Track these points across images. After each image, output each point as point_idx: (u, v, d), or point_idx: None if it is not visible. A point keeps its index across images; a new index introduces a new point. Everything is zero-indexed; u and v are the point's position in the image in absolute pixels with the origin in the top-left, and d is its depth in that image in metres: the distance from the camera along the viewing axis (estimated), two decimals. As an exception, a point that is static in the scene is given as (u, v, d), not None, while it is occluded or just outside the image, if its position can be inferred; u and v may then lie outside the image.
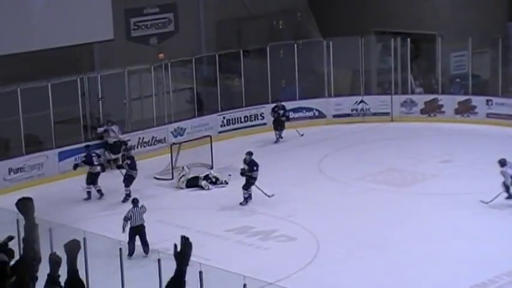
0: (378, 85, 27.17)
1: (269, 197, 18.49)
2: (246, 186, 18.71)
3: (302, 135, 23.79)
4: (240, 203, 18.68)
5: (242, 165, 19.06)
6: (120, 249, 13.58)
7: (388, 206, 18.44)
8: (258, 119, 24.79)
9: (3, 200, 17.30)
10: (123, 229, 16.13)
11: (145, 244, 16.19)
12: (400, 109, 25.40)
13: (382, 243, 16.25)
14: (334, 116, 25.53)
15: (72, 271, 5.19)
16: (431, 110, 25.30)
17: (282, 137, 23.62)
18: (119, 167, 20.39)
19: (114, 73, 22.83)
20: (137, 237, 16.12)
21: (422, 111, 25.35)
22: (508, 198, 17.83)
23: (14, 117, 20.84)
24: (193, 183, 20.18)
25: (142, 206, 16.55)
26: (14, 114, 20.76)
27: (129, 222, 16.21)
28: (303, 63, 25.45)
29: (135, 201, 16.64)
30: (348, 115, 25.48)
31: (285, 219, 17.79)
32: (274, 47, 25.38)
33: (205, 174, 20.34)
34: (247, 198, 18.73)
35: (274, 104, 23.99)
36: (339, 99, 25.62)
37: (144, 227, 16.27)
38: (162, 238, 16.53)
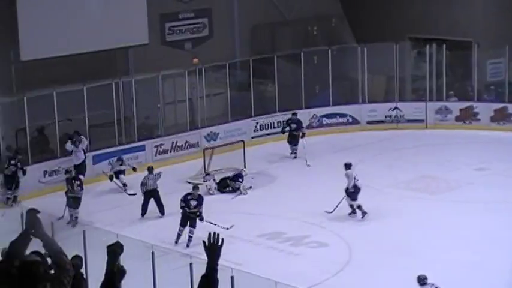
0: (412, 92, 27.00)
1: (228, 228, 16.87)
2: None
3: (309, 165, 21.84)
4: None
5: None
6: (153, 252, 13.63)
7: (422, 214, 18.29)
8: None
9: (38, 202, 17.47)
10: (142, 193, 18.65)
11: (160, 206, 18.55)
12: (435, 116, 25.20)
13: (415, 251, 16.12)
14: (368, 123, 25.41)
15: (112, 272, 5.25)
16: (467, 117, 25.06)
17: (295, 153, 22.40)
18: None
19: (148, 77, 22.96)
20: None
21: (458, 119, 25.12)
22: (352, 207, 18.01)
23: (49, 120, 21.07)
24: (224, 185, 20.22)
25: (158, 173, 18.93)
26: (50, 117, 20.98)
27: (144, 186, 18.61)
28: (337, 69, 25.38)
29: (150, 169, 18.97)
30: (382, 122, 25.34)
31: (317, 225, 17.73)
32: (308, 52, 25.36)
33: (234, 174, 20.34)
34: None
35: (289, 116, 23.26)
36: (373, 106, 25.50)
37: (157, 191, 18.57)
38: (194, 242, 16.62)
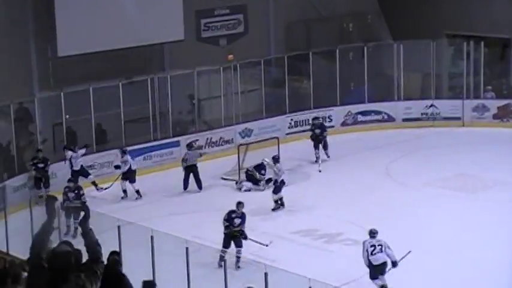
0: (449, 89, 26.74)
1: (267, 245, 16.12)
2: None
3: (320, 171, 21.05)
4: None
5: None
6: (187, 248, 13.65)
7: (457, 212, 18.12)
8: (325, 121, 24.61)
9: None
10: (183, 168, 19.91)
11: (198, 181, 19.90)
12: (472, 114, 24.93)
13: (450, 250, 15.97)
14: (404, 120, 25.22)
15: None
16: (504, 115, 24.76)
17: (328, 156, 21.85)
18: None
19: (183, 73, 23.03)
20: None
21: (495, 117, 24.82)
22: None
23: (85, 116, 21.24)
24: (251, 177, 20.26)
25: (197, 150, 20.52)
26: (86, 112, 21.16)
27: (185, 162, 19.90)
28: (373, 66, 25.22)
29: (189, 145, 20.48)
30: (418, 119, 25.13)
31: (351, 222, 17.63)
32: (343, 49, 25.25)
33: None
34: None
35: (312, 122, 22.72)
36: (408, 103, 25.30)
37: (196, 167, 19.87)
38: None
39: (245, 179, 20.37)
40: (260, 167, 20.23)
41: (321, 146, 21.84)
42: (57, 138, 21.67)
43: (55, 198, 5.45)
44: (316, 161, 21.56)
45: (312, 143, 21.95)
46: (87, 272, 5.02)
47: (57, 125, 21.56)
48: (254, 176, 20.22)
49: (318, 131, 21.97)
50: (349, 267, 15.37)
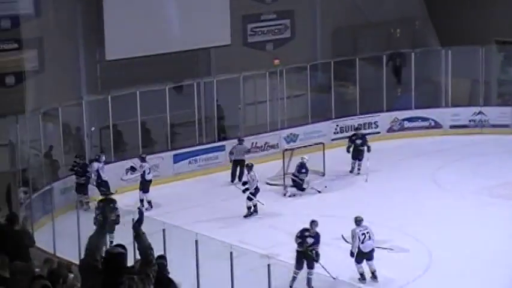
0: (498, 96, 26.35)
1: (334, 279, 15.09)
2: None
3: (366, 181, 20.83)
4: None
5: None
6: (231, 252, 13.66)
7: (505, 221, 17.81)
8: (371, 127, 24.51)
9: (120, 200, 17.79)
10: (230, 161, 20.89)
11: (241, 176, 20.36)
12: (521, 121, 24.55)
13: (497, 259, 15.72)
14: (451, 127, 24.92)
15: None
16: (554, 123, 24.33)
17: (359, 169, 21.32)
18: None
19: (229, 78, 23.09)
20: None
21: (544, 124, 24.41)
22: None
23: (132, 119, 21.41)
24: (296, 183, 20.19)
25: (246, 147, 21.18)
26: (133, 116, 21.33)
27: (232, 155, 20.84)
28: (420, 72, 24.99)
29: (239, 140, 21.22)
30: (465, 126, 24.81)
31: (397, 229, 17.46)
32: (390, 55, 25.06)
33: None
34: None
35: (353, 132, 22.46)
36: (456, 110, 25.00)
37: (244, 162, 20.32)
38: (272, 244, 16.60)
39: (290, 184, 20.31)
40: (300, 168, 20.14)
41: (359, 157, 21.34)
42: (104, 141, 21.87)
43: (111, 201, 5.53)
44: (351, 171, 21.33)
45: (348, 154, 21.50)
46: (140, 275, 5.06)
47: (104, 129, 21.76)
48: (298, 179, 20.12)
49: (358, 141, 21.52)
50: (395, 275, 15.23)
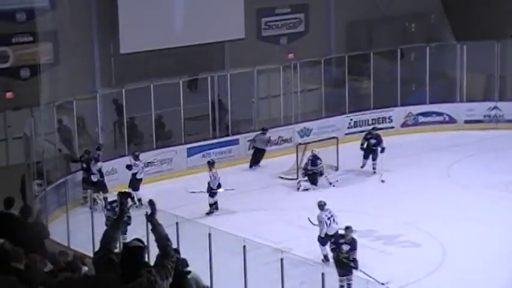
0: (513, 91, 26.21)
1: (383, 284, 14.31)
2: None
3: (383, 181, 20.34)
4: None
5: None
6: (244, 246, 13.67)
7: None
8: (385, 122, 24.43)
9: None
10: (251, 147, 21.73)
11: (257, 162, 21.49)
12: (536, 116, 24.41)
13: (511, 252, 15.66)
14: (466, 122, 24.81)
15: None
16: None
17: (374, 169, 20.85)
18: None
19: (243, 72, 23.07)
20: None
21: (560, 119, 24.26)
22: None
23: (146, 113, 21.44)
24: (309, 175, 20.15)
25: (268, 137, 21.87)
26: (147, 109, 21.36)
27: (252, 143, 21.57)
28: (435, 67, 24.88)
29: (263, 129, 21.86)
30: (480, 121, 24.70)
31: (410, 224, 17.42)
32: (405, 49, 24.97)
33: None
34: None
35: (368, 131, 21.84)
36: (471, 105, 24.88)
37: (263, 152, 21.57)
38: (285, 238, 16.60)
39: (304, 178, 20.27)
40: (314, 159, 20.10)
41: (370, 156, 21.01)
42: (118, 134, 21.91)
43: (128, 194, 5.50)
44: (362, 167, 21.01)
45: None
46: (158, 267, 5.07)
47: (118, 122, 21.80)
48: (313, 172, 20.06)
49: (373, 141, 21.06)
50: (408, 270, 15.19)
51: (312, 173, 20.18)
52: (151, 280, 4.96)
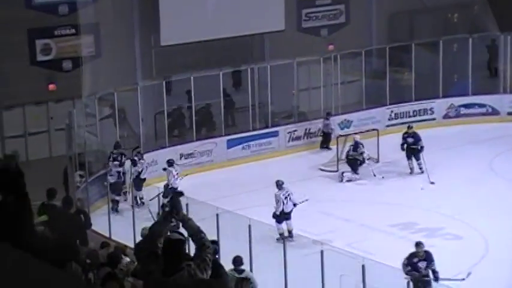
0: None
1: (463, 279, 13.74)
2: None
3: (422, 189, 19.45)
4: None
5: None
6: (284, 238, 13.68)
7: None
8: (427, 114, 24.19)
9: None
10: (320, 133, 21.89)
11: (327, 143, 22.13)
12: None
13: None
14: (509, 114, 24.45)
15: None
16: None
17: (421, 168, 20.04)
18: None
19: (283, 63, 23.00)
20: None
21: None
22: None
23: (186, 104, 21.52)
24: (352, 162, 20.06)
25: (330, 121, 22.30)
26: (187, 101, 21.42)
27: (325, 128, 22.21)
28: (478, 58, 24.55)
29: (328, 114, 22.25)
30: (524, 113, 24.34)
31: (452, 217, 17.25)
32: (447, 40, 24.67)
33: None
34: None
35: (405, 130, 20.77)
36: (514, 96, 24.53)
37: (330, 134, 22.12)
38: (325, 230, 16.56)
39: (347, 168, 20.12)
40: (356, 146, 19.99)
41: (414, 157, 20.20)
42: (159, 126, 22.04)
43: (181, 194, 5.57)
44: (410, 173, 20.23)
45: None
46: (197, 261, 5.12)
47: (159, 114, 21.92)
48: (356, 159, 19.90)
49: (410, 139, 20.30)
50: (449, 263, 15.02)
51: (353, 158, 20.01)
52: (192, 274, 5.01)
